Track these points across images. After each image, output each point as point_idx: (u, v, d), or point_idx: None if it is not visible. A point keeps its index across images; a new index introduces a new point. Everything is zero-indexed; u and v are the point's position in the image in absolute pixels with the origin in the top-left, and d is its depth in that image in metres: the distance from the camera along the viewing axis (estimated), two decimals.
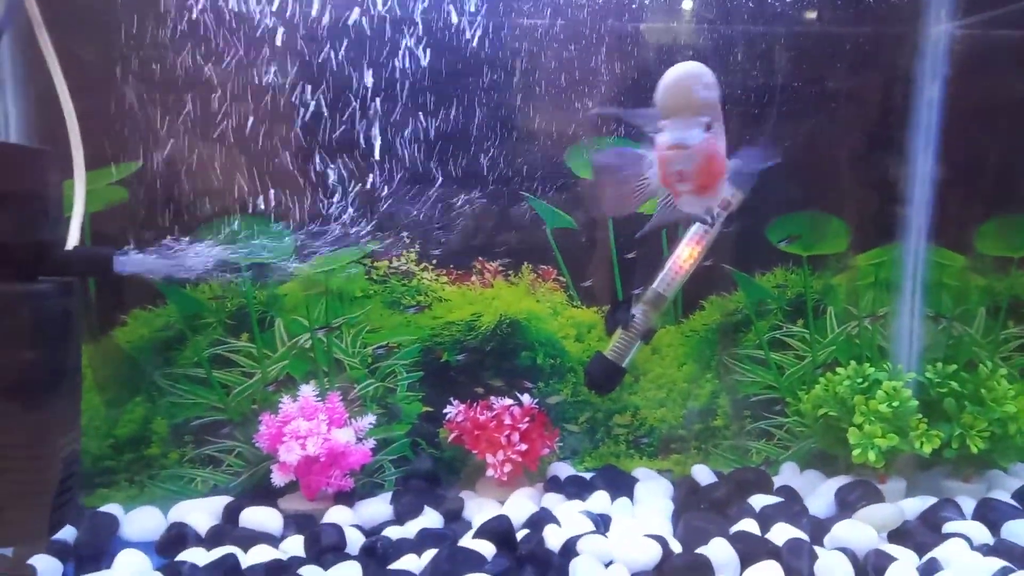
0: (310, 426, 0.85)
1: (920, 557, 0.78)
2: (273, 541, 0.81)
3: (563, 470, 0.98)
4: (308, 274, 0.91)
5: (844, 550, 0.77)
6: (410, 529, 0.84)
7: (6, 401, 0.63)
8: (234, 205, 0.87)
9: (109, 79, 0.84)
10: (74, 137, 0.66)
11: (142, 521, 0.85)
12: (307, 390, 0.89)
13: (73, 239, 0.70)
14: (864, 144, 0.99)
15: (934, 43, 0.94)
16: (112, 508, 0.87)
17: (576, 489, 0.94)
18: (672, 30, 0.96)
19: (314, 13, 0.86)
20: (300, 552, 0.79)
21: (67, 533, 0.79)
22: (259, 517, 0.84)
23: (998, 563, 0.74)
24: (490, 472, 0.91)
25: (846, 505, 0.88)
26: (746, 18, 0.96)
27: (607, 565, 0.76)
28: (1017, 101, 0.98)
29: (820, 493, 0.93)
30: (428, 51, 0.89)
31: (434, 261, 0.95)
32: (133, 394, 0.89)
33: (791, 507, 0.89)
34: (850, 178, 0.99)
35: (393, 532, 0.83)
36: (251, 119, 0.86)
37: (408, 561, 0.77)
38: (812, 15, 0.97)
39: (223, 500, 0.89)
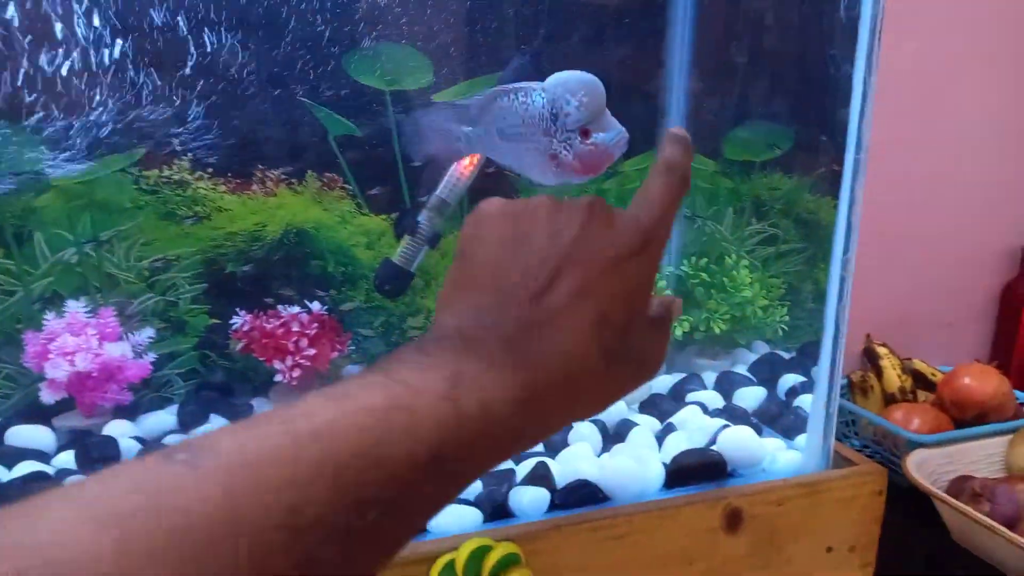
0: (78, 341, 0.83)
1: (661, 423, 0.90)
2: (44, 458, 0.80)
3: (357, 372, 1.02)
4: (68, 184, 0.86)
5: (595, 421, 0.88)
6: (195, 435, 0.85)
7: None
8: None
9: None
10: None
11: None
12: (74, 305, 0.85)
13: None
14: (627, 58, 1.06)
15: None
16: None
17: None
18: None
19: None
20: (72, 465, 0.78)
21: None
22: (27, 434, 0.81)
23: (721, 423, 0.86)
24: (279, 377, 0.93)
25: None
26: None
27: None
28: (761, 22, 1.09)
29: None
30: None
31: (209, 170, 0.93)
32: None
33: None
34: (615, 89, 1.06)
35: (175, 439, 0.84)
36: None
37: None
38: None
39: None
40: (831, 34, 1.11)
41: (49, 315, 0.85)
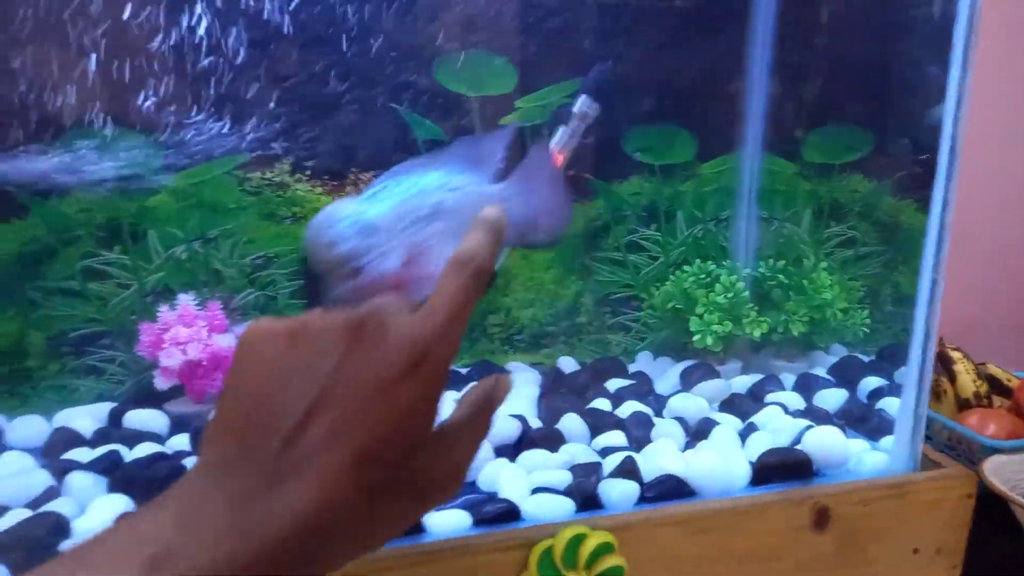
0: (190, 332, 0.89)
1: (743, 422, 0.91)
2: (159, 440, 0.86)
3: None
4: (179, 186, 0.92)
5: (678, 418, 0.90)
6: None
7: None
8: (98, 113, 0.87)
9: None
10: None
11: (26, 428, 0.87)
12: (185, 298, 0.91)
13: None
14: (707, 62, 1.08)
15: None
16: None
17: (452, 382, 1.01)
18: None
19: None
20: (186, 447, 0.83)
21: None
22: (144, 418, 0.88)
23: (804, 423, 0.87)
24: None
25: (688, 384, 1.00)
26: None
27: None
28: (837, 27, 1.09)
29: (668, 376, 1.05)
30: None
31: (308, 172, 0.98)
32: (4, 309, 0.90)
33: (641, 388, 1.00)
34: (696, 93, 1.08)
35: None
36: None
37: None
38: None
39: (108, 406, 0.92)
40: (915, 35, 1.10)
41: (163, 307, 0.91)
